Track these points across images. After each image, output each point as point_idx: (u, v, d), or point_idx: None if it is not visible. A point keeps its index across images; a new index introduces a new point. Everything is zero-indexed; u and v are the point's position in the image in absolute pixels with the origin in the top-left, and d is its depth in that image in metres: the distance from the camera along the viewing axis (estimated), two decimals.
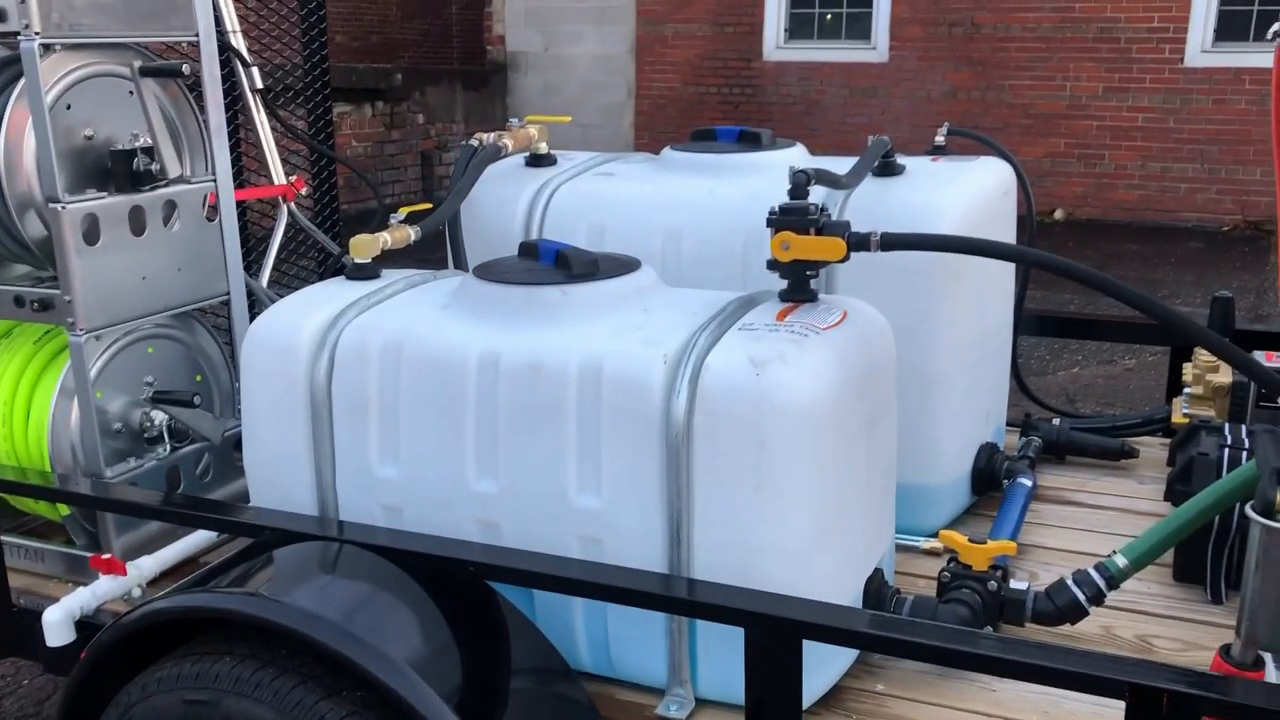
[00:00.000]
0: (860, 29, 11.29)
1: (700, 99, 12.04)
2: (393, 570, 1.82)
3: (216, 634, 1.78)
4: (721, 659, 1.82)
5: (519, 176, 2.78)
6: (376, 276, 2.21)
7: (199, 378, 2.56)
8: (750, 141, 2.69)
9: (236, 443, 2.56)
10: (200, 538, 2.37)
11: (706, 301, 1.99)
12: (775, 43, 11.62)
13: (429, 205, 2.48)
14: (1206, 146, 10.20)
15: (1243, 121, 10.00)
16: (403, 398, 1.97)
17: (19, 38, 2.09)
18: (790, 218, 1.91)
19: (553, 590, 1.79)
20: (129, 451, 2.40)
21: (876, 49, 11.22)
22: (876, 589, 1.96)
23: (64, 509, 2.38)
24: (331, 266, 3.13)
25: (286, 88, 3.60)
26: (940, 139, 2.86)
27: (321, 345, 2.02)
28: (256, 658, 1.69)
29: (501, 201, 2.72)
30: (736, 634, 1.65)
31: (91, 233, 2.22)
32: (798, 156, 2.67)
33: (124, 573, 2.18)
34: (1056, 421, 2.94)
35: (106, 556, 2.17)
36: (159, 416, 2.39)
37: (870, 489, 1.95)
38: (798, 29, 11.59)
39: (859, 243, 1.90)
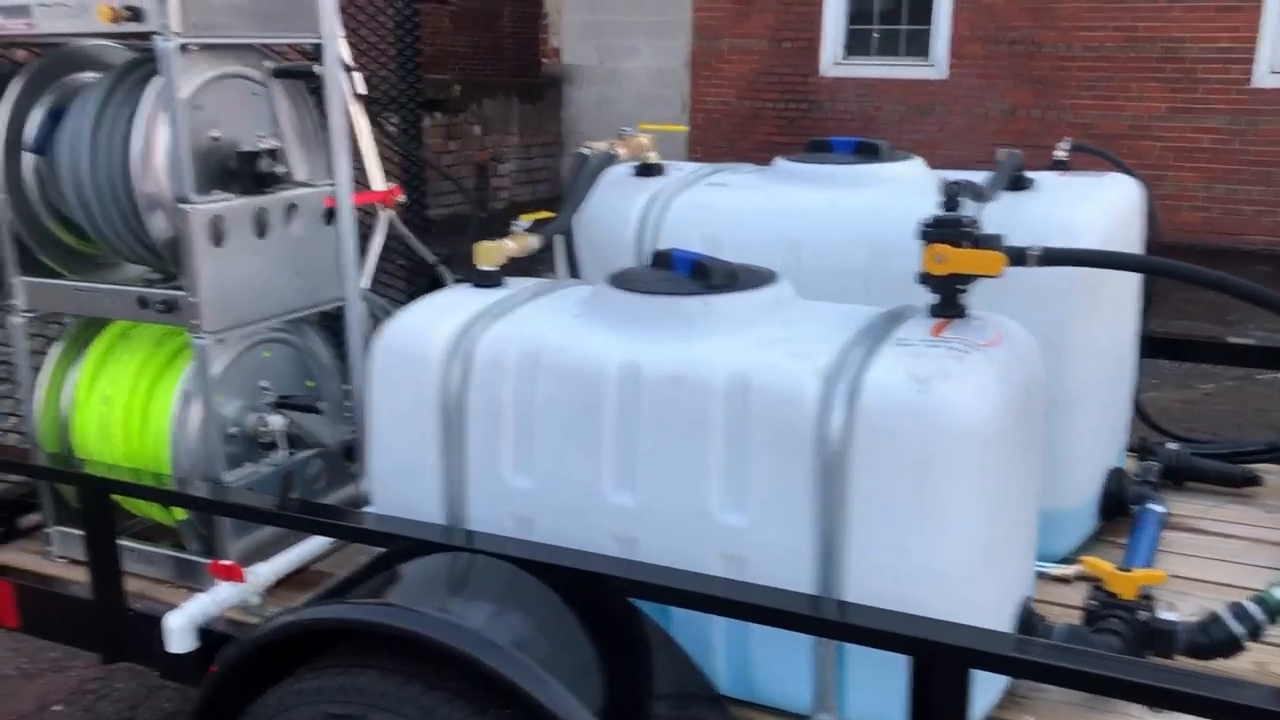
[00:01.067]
0: (919, 46, 11.20)
1: (756, 114, 11.98)
2: (535, 584, 1.77)
3: (355, 646, 1.74)
4: (871, 685, 1.75)
5: (630, 186, 2.74)
6: (501, 284, 2.17)
7: (310, 383, 2.53)
8: (869, 153, 2.63)
9: (348, 450, 2.53)
10: (314, 545, 2.33)
11: (847, 315, 1.93)
12: (833, 59, 11.55)
13: (550, 214, 2.44)
14: (1274, 169, 10.02)
15: None
16: (539, 406, 1.92)
17: (156, 38, 2.07)
18: (945, 230, 1.85)
19: (715, 613, 1.73)
20: (243, 456, 2.36)
21: (935, 66, 11.13)
22: (1028, 617, 1.89)
23: (179, 513, 2.35)
24: (430, 275, 3.10)
25: (382, 94, 3.59)
26: (1062, 154, 2.79)
27: (454, 352, 1.98)
28: (402, 672, 1.65)
29: (614, 210, 2.68)
30: (889, 659, 1.59)
31: (218, 234, 2.20)
32: (918, 169, 2.61)
33: (242, 579, 2.14)
34: (1173, 446, 2.85)
35: (226, 563, 2.14)
36: (275, 421, 2.35)
37: (1023, 513, 1.88)
38: (855, 45, 11.52)
39: (1017, 257, 1.84)
